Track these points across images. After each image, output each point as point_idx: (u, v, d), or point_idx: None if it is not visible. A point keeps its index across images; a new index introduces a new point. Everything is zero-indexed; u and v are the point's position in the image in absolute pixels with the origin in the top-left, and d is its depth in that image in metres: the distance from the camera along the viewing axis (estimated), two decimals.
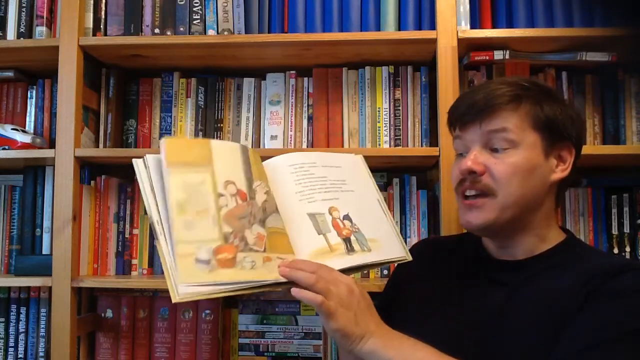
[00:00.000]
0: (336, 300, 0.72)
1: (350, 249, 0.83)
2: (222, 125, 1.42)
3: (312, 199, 0.88)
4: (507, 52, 1.29)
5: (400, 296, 0.96)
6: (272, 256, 0.79)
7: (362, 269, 0.87)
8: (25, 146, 1.34)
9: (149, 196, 0.81)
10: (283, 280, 0.77)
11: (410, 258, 0.87)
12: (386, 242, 0.88)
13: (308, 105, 1.40)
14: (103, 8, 1.37)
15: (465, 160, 0.81)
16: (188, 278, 0.70)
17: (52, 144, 1.38)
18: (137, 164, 0.83)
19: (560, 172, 0.84)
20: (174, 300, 0.73)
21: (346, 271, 0.82)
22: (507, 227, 0.83)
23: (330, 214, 0.87)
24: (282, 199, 0.87)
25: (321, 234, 0.84)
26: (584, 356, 0.70)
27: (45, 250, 1.39)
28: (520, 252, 0.85)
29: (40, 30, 1.37)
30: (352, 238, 0.85)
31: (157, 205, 0.80)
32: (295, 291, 0.73)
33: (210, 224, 0.77)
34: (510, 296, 0.82)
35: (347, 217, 0.88)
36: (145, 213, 1.38)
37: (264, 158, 0.91)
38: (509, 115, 0.81)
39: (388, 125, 1.36)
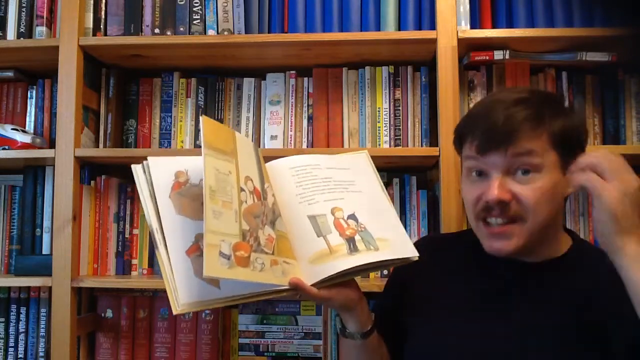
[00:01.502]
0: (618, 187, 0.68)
1: (353, 249, 0.81)
2: None
3: (313, 200, 0.86)
4: (507, 52, 1.29)
5: (408, 296, 0.94)
6: (279, 260, 0.77)
7: (370, 269, 0.84)
8: (25, 146, 1.34)
9: (148, 203, 0.79)
10: (287, 286, 0.76)
11: (417, 257, 0.85)
12: (396, 241, 0.85)
13: (308, 105, 1.40)
14: (103, 8, 1.37)
15: (492, 190, 0.79)
16: (212, 270, 0.68)
17: (52, 144, 1.38)
18: (136, 169, 0.82)
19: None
20: (175, 312, 0.71)
21: (351, 273, 0.80)
22: (531, 245, 0.82)
23: (333, 214, 0.85)
24: (283, 202, 0.85)
25: (321, 236, 0.82)
26: None
27: (45, 250, 1.38)
28: (535, 258, 0.85)
29: (40, 30, 1.37)
30: (357, 237, 0.82)
31: (156, 212, 0.78)
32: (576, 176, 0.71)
33: (232, 218, 0.74)
34: (535, 298, 0.82)
35: (352, 216, 0.85)
36: None
37: (263, 158, 0.91)
38: (533, 138, 0.79)
39: (388, 125, 1.36)
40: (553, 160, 0.80)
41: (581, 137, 0.84)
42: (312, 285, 0.78)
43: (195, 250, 0.76)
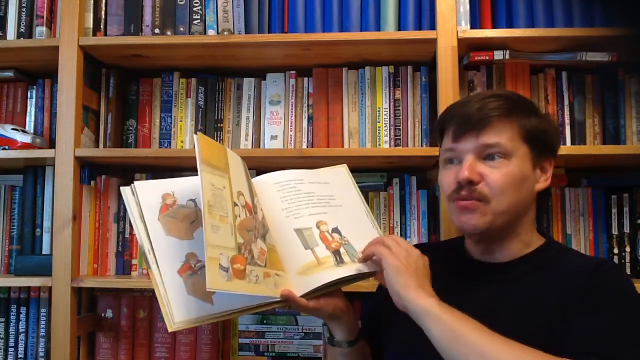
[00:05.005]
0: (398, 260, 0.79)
1: (339, 261, 0.83)
2: (222, 125, 1.42)
3: (299, 214, 0.88)
4: (507, 52, 1.29)
5: (390, 302, 0.96)
6: (271, 272, 0.79)
7: (355, 280, 0.87)
8: (25, 146, 1.34)
9: (138, 224, 0.81)
10: (278, 298, 0.78)
11: None
12: None
13: (308, 105, 1.40)
14: (103, 8, 1.37)
15: (463, 170, 0.83)
16: (213, 283, 0.69)
17: (52, 144, 1.38)
18: (125, 192, 0.84)
19: (543, 182, 0.88)
20: (170, 330, 0.73)
21: (338, 283, 0.82)
22: (498, 233, 0.86)
23: (318, 227, 0.87)
24: (270, 216, 0.87)
25: (308, 248, 0.84)
26: (595, 338, 0.72)
27: (45, 250, 1.38)
28: (504, 256, 0.88)
29: (40, 30, 1.37)
30: (342, 250, 0.85)
31: (147, 233, 0.80)
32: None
33: (229, 232, 0.76)
34: (497, 297, 0.84)
35: (336, 230, 0.88)
36: None
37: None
38: (502, 127, 0.84)
39: (388, 125, 1.36)
40: (524, 153, 0.85)
41: (553, 141, 0.89)
42: (301, 296, 0.80)
43: (187, 270, 0.79)
